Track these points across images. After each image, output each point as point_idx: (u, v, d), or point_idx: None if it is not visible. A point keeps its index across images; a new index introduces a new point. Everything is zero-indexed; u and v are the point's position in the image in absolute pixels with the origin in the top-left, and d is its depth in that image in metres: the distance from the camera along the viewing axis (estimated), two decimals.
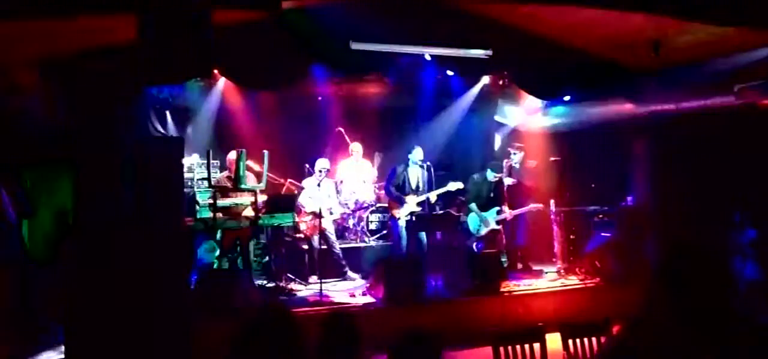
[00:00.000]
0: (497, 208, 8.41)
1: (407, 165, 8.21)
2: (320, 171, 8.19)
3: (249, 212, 7.39)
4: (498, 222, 8.39)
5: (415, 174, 8.18)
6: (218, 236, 7.55)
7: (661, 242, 7.76)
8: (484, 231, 8.39)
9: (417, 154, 8.16)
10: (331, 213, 8.26)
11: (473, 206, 8.45)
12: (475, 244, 8.51)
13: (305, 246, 8.14)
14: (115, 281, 5.14)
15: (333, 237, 8.21)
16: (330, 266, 8.20)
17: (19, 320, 6.13)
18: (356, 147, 9.11)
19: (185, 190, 7.63)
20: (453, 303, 6.95)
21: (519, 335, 4.01)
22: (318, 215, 7.56)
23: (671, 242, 2.03)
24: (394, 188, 8.17)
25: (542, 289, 7.45)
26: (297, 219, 7.86)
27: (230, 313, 5.78)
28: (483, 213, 8.39)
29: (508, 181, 8.73)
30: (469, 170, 8.97)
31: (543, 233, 8.71)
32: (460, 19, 7.40)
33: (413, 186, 8.16)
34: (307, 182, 8.30)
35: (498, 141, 10.30)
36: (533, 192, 8.90)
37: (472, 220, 8.46)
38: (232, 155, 7.53)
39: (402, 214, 8.06)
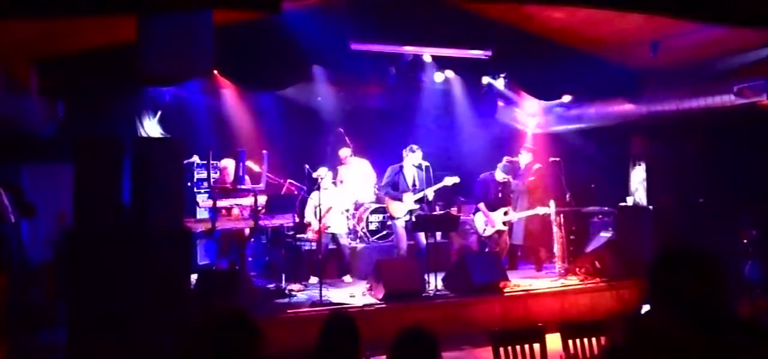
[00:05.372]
0: (504, 209, 8.38)
1: (402, 166, 8.13)
2: (324, 177, 7.98)
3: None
4: (504, 223, 8.37)
5: (411, 173, 8.09)
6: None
7: (660, 243, 7.75)
8: (489, 232, 8.38)
9: (413, 154, 8.03)
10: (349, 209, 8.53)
11: (482, 205, 8.38)
12: (479, 243, 8.52)
13: (312, 246, 8.15)
14: (115, 281, 5.13)
15: (344, 239, 8.31)
16: (331, 266, 8.21)
17: (18, 320, 6.13)
18: (344, 151, 9.06)
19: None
20: (453, 303, 6.94)
21: (519, 335, 4.00)
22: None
23: (665, 245, 2.04)
24: (391, 188, 8.13)
25: (542, 289, 7.44)
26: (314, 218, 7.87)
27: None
28: (490, 213, 8.35)
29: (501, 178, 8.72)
30: (470, 170, 8.96)
31: (543, 233, 8.71)
32: (460, 19, 7.41)
33: (409, 185, 8.08)
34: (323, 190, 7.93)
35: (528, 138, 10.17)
36: (534, 195, 8.88)
37: (479, 219, 8.43)
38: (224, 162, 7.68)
39: (400, 214, 8.03)
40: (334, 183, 8.61)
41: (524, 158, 8.93)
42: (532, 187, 8.91)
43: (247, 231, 7.72)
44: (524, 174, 8.96)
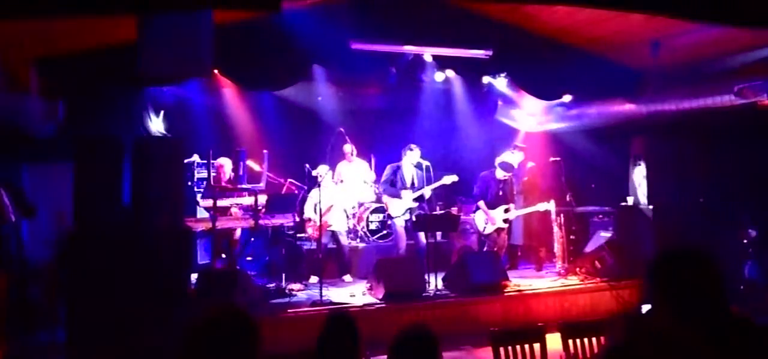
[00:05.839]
0: (504, 206, 8.35)
1: (399, 164, 8.12)
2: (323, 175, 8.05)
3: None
4: (504, 221, 8.36)
5: (410, 172, 8.09)
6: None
7: (660, 243, 7.75)
8: (490, 230, 8.35)
9: (411, 153, 8.03)
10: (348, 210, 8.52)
11: (482, 203, 8.34)
12: (479, 242, 8.49)
13: (312, 246, 8.14)
14: (115, 281, 5.13)
15: (344, 238, 8.29)
16: (331, 266, 8.21)
17: (18, 320, 6.13)
18: (349, 148, 9.07)
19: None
20: (453, 303, 6.94)
21: (519, 335, 4.00)
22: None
23: (665, 245, 2.04)
24: (389, 186, 8.13)
25: (542, 289, 7.43)
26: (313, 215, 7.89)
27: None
28: (490, 211, 8.31)
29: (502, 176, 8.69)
30: (470, 169, 8.95)
31: (543, 233, 8.71)
32: (460, 18, 7.41)
33: (408, 183, 8.08)
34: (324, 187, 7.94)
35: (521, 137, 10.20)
36: (531, 195, 8.88)
37: (479, 217, 8.40)
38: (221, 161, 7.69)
39: (398, 212, 8.02)
40: (334, 182, 8.61)
41: (516, 157, 8.86)
42: (527, 187, 8.89)
43: (237, 232, 7.76)
44: (518, 174, 8.93)
